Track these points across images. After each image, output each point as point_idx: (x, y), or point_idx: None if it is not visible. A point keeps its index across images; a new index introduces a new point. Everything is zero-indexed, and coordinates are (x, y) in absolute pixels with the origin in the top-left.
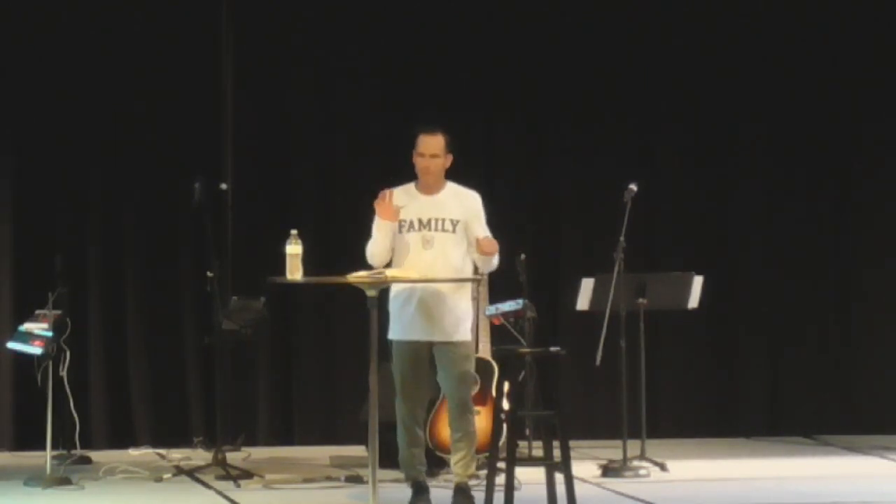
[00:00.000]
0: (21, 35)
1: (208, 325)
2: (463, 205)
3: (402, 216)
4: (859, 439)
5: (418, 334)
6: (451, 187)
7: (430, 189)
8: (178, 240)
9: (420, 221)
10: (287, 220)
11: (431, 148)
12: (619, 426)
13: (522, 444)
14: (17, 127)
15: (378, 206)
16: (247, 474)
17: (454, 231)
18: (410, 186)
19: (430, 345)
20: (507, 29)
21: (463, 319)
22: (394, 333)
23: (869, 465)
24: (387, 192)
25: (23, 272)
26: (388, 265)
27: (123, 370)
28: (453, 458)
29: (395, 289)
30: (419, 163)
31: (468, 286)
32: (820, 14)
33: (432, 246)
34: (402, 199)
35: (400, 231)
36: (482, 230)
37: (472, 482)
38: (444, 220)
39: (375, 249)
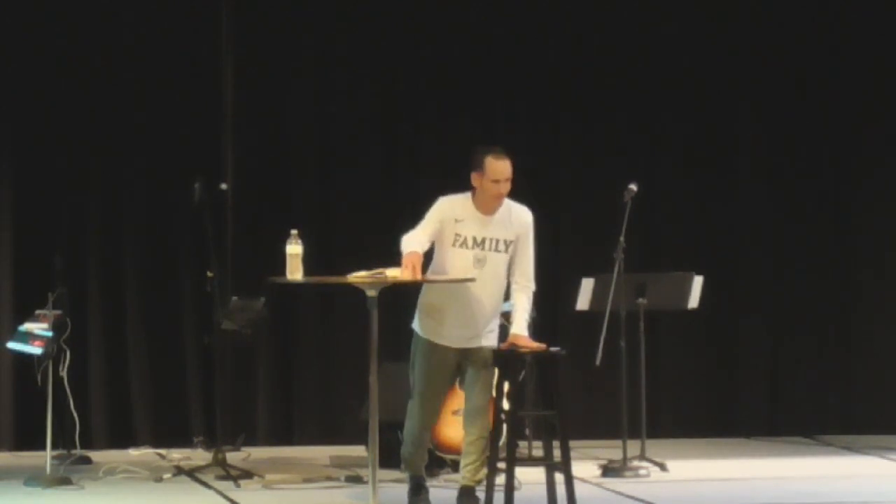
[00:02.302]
0: (21, 35)
1: (208, 325)
2: (517, 224)
3: (457, 230)
4: (859, 439)
5: (454, 343)
6: (506, 205)
7: (488, 209)
8: (178, 240)
9: (475, 240)
10: (287, 220)
11: (506, 173)
12: (619, 426)
13: (522, 444)
14: (16, 127)
15: (406, 269)
16: (247, 474)
17: (506, 251)
18: (467, 200)
19: (460, 350)
20: (507, 29)
21: (494, 328)
22: (423, 332)
23: (869, 465)
24: (418, 263)
25: (23, 272)
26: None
27: (123, 370)
28: (463, 461)
29: (433, 292)
30: (492, 188)
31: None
32: (820, 15)
33: (484, 265)
34: (459, 212)
35: (453, 244)
36: (528, 251)
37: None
38: (498, 241)
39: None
